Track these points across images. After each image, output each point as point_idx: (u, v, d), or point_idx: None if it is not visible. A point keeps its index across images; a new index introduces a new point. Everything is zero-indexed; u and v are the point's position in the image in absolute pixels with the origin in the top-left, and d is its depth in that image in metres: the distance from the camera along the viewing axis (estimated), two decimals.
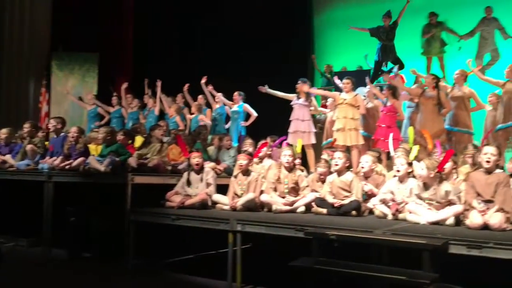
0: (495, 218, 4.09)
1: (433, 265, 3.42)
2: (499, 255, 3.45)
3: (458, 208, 4.41)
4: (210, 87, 9.02)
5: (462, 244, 3.58)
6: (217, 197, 5.79)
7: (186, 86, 9.36)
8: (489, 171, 4.41)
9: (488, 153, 4.41)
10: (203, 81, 9.01)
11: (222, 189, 5.93)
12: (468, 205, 4.36)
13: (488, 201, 4.30)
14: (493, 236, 3.70)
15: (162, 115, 9.50)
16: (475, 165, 5.12)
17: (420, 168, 4.65)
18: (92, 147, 6.68)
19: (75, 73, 11.95)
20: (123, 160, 5.91)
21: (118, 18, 12.46)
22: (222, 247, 4.84)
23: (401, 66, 8.88)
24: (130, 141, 6.61)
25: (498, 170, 4.47)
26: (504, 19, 8.57)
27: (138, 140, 6.74)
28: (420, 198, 4.64)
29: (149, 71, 10.54)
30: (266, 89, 7.80)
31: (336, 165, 5.41)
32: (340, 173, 5.41)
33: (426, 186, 4.63)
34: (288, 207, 5.40)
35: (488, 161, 4.39)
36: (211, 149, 7.59)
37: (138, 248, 5.34)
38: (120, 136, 6.47)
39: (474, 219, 4.17)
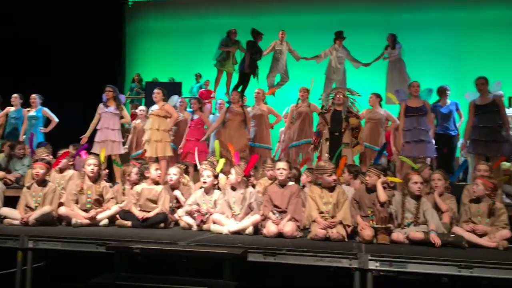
0: (288, 227, 4.49)
1: (233, 273, 3.57)
2: (290, 261, 3.78)
3: (256, 217, 4.71)
4: None
5: (259, 252, 3.82)
6: (5, 210, 5.14)
7: None
8: (282, 184, 4.82)
9: (281, 168, 4.82)
10: None
11: (13, 201, 5.28)
12: (265, 216, 4.70)
13: (284, 212, 4.68)
14: (286, 244, 4.05)
15: None
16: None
17: (230, 175, 4.94)
18: None
19: None
20: None
21: None
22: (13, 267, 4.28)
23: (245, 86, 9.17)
24: None
25: (290, 183, 4.93)
26: (295, 44, 9.58)
27: None
28: (228, 203, 4.86)
29: None
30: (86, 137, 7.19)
31: (159, 176, 5.36)
32: (154, 184, 5.33)
33: (234, 190, 4.93)
34: (89, 221, 5.09)
35: (281, 175, 4.80)
36: (0, 157, 6.73)
37: None
38: None
39: (269, 228, 4.51)
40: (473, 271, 3.45)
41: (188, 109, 8.22)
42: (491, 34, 10.20)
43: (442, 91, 7.42)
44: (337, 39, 9.00)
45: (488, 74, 6.46)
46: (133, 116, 8.58)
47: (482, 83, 6.31)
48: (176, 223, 5.31)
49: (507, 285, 3.74)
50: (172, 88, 8.57)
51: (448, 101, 7.35)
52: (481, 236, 4.27)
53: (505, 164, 6.60)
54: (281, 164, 4.87)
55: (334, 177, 4.67)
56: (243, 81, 9.12)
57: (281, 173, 4.80)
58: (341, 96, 6.68)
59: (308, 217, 4.57)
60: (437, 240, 4.11)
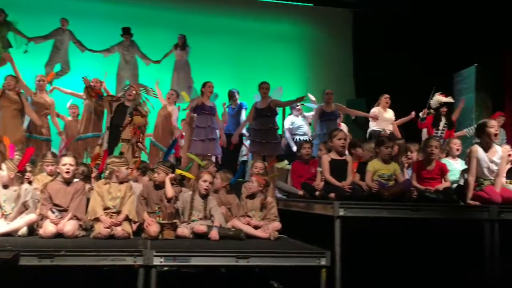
0: (68, 226, 4.19)
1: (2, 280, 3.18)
2: (69, 262, 3.52)
3: (31, 217, 4.27)
4: None
5: (33, 254, 3.47)
6: None
7: None
8: (68, 181, 4.47)
9: (67, 163, 4.47)
10: None
11: None
12: (42, 215, 4.30)
13: (66, 210, 4.35)
14: (66, 244, 3.77)
15: None
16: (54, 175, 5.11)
17: (1, 170, 4.37)
18: None
19: None
20: None
21: None
22: None
23: None
24: None
25: (75, 180, 4.61)
26: (80, 34, 9.08)
27: None
28: None
29: None
30: None
31: None
32: None
33: (6, 187, 4.38)
34: None
35: (67, 172, 4.44)
36: None
37: None
38: None
39: (47, 228, 4.14)
40: (249, 260, 3.73)
41: None
42: (274, 45, 11.26)
43: (231, 95, 7.94)
44: (124, 35, 8.82)
45: (269, 81, 7.17)
46: None
47: (267, 88, 6.99)
48: None
49: (277, 270, 4.21)
50: None
51: (237, 103, 7.93)
52: (256, 228, 4.67)
53: (281, 163, 7.42)
54: (68, 160, 4.51)
55: (129, 170, 4.57)
56: None
57: (67, 169, 4.44)
58: (134, 92, 6.62)
59: (91, 213, 4.34)
60: (215, 236, 4.33)
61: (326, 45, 11.55)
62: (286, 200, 5.90)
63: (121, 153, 6.18)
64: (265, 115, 6.97)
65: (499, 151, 4.90)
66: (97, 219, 4.30)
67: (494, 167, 4.84)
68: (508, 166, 5.43)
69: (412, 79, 9.55)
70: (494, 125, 4.86)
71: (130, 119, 6.49)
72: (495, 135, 4.85)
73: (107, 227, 4.20)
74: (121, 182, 4.51)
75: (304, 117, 8.42)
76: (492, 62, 9.35)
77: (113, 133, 6.51)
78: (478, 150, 4.86)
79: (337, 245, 4.17)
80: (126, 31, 8.82)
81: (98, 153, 6.32)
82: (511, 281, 4.34)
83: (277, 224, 4.70)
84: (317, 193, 5.24)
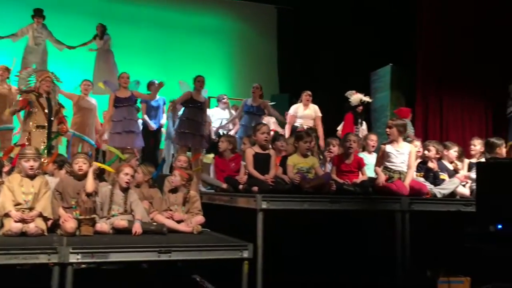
0: None
1: None
2: None
3: None
4: None
5: None
6: None
7: None
8: None
9: None
10: None
11: None
12: None
13: None
14: None
15: None
16: None
17: None
18: None
19: None
20: None
21: None
22: None
23: None
24: None
25: None
26: None
27: None
28: None
29: None
30: None
31: None
32: None
33: None
34: None
35: None
36: None
37: None
38: None
39: None
40: (171, 255, 3.68)
41: None
42: (200, 38, 11.13)
43: (151, 85, 7.75)
44: (35, 17, 8.32)
45: (192, 74, 7.10)
46: None
47: (202, 81, 6.97)
48: None
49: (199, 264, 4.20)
50: None
51: (158, 96, 7.75)
52: (179, 222, 4.62)
53: (207, 156, 7.38)
54: None
55: (32, 163, 4.24)
56: None
57: None
58: (50, 82, 6.22)
59: (0, 209, 4.06)
60: (138, 230, 4.23)
61: (252, 40, 11.63)
62: (210, 194, 5.88)
63: (53, 147, 5.90)
64: (199, 107, 6.95)
65: (406, 145, 5.33)
66: (6, 215, 4.03)
67: (402, 157, 5.21)
68: (418, 160, 5.81)
69: (335, 75, 9.86)
70: (388, 127, 5.35)
71: (57, 110, 6.19)
72: (388, 134, 5.31)
73: (18, 221, 3.95)
74: (34, 177, 4.25)
75: (229, 110, 8.42)
76: (406, 62, 9.85)
77: (49, 127, 6.10)
78: (386, 146, 5.30)
79: (259, 238, 4.22)
80: (38, 13, 8.30)
81: (11, 146, 5.90)
82: (420, 270, 4.64)
83: (200, 218, 4.68)
84: (240, 186, 5.27)
